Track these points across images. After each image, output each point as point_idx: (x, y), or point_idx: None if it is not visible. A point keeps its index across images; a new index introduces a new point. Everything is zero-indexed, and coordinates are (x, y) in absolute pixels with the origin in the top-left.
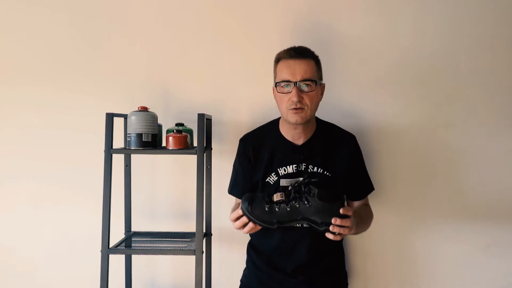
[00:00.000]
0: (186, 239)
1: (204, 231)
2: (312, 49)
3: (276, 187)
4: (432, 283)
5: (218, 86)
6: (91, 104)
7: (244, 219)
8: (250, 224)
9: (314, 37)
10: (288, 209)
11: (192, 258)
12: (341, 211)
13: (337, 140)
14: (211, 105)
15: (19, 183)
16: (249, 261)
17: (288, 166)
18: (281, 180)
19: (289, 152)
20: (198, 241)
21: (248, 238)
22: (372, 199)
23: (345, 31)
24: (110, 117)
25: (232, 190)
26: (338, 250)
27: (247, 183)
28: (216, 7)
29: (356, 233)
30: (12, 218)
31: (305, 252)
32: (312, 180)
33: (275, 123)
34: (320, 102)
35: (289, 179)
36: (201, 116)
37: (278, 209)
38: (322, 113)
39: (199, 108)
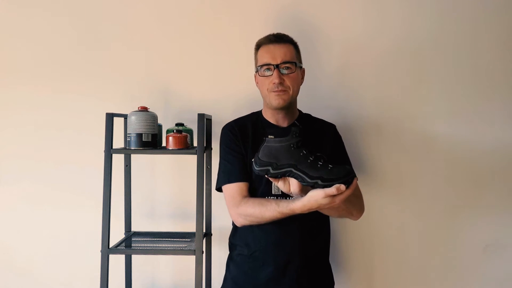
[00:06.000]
0: (186, 239)
1: (204, 231)
2: (312, 46)
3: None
4: (432, 282)
5: (218, 86)
6: (91, 105)
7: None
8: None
9: (315, 37)
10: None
11: (192, 258)
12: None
13: (319, 126)
14: (211, 105)
15: (19, 183)
16: (228, 278)
17: None
18: None
19: (275, 134)
20: (198, 241)
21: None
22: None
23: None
24: (110, 117)
25: (230, 178)
26: (324, 243)
27: (245, 166)
28: (215, 8)
29: (341, 215)
30: (12, 218)
31: (294, 246)
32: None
33: (257, 112)
34: (302, 94)
35: None
36: (201, 116)
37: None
38: (303, 105)
39: (199, 108)
